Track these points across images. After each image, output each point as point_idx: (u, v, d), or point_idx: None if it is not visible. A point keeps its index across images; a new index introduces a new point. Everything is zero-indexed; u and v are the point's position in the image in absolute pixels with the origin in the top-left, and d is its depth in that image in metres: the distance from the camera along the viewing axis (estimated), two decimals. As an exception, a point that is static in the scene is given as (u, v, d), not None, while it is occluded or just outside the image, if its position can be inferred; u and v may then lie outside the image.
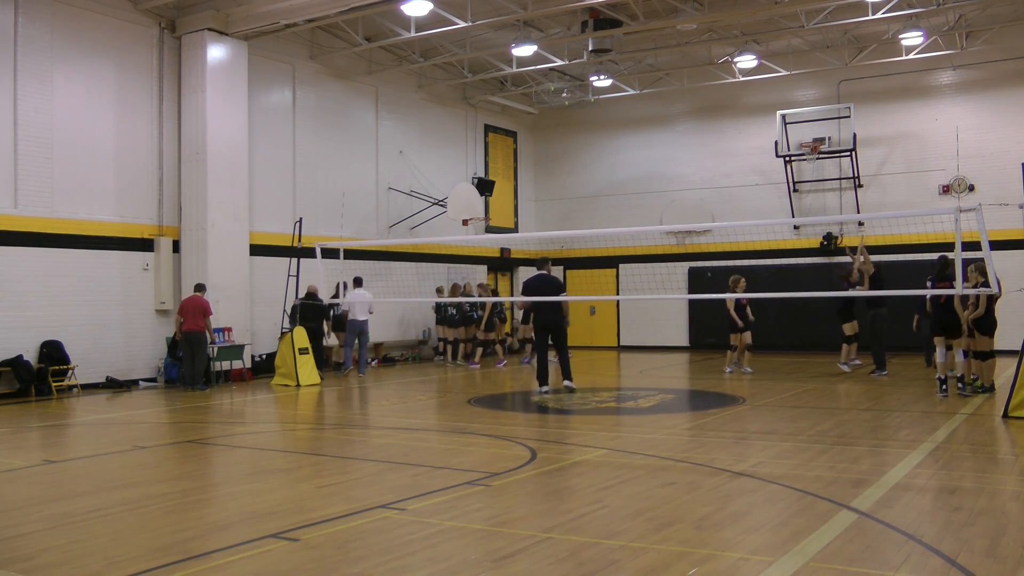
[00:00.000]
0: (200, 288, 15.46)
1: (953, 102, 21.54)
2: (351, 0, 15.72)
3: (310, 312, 17.11)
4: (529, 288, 13.97)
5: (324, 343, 17.75)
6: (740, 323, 16.41)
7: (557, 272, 26.05)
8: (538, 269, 14.31)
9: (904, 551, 5.12)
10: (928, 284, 12.77)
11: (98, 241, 15.52)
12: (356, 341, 17.92)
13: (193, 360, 15.17)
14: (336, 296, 17.42)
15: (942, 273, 12.52)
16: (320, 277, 15.28)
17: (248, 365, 16.99)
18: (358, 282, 17.99)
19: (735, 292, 16.15)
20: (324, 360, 17.93)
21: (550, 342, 13.90)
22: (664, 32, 19.65)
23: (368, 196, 21.07)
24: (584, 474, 7.51)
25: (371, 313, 18.13)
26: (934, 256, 13.47)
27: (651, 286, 22.85)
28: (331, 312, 17.82)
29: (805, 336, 22.44)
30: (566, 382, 13.74)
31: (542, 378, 13.71)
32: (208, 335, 15.30)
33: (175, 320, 15.54)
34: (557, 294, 13.79)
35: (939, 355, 12.51)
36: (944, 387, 12.27)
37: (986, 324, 11.90)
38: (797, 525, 5.69)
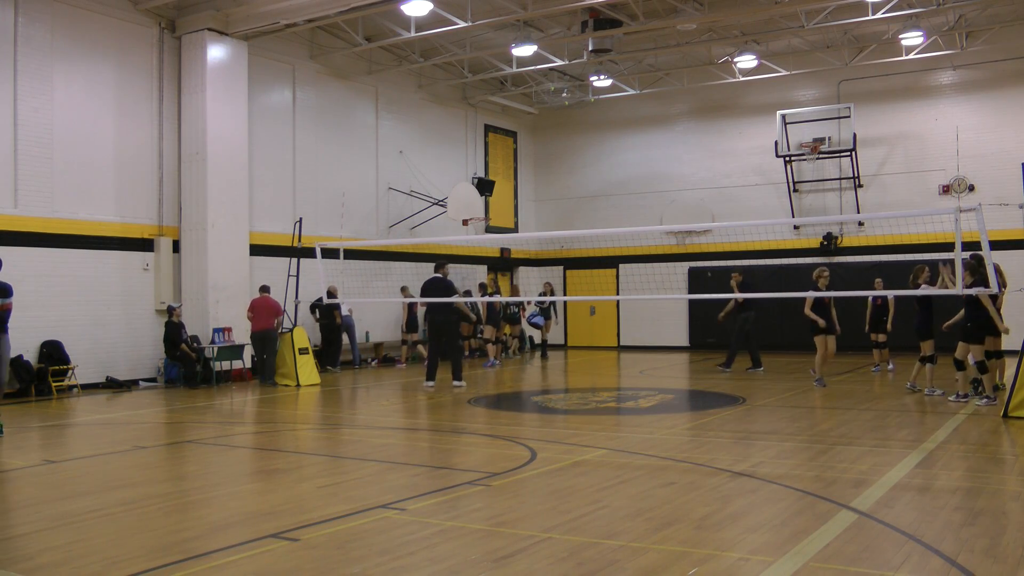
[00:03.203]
0: (265, 289, 16.11)
1: (953, 102, 21.54)
2: (351, 0, 15.73)
3: (326, 310, 18.01)
4: (422, 290, 15.02)
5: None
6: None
7: (562, 276, 26.12)
8: (435, 271, 15.11)
9: (904, 551, 5.12)
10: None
11: (98, 241, 15.52)
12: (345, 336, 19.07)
13: (264, 357, 15.84)
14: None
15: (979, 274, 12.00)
16: (320, 277, 15.34)
17: (248, 365, 16.99)
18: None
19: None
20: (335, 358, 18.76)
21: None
22: (664, 32, 19.65)
23: (368, 196, 21.07)
24: (584, 474, 7.51)
25: (350, 311, 19.27)
26: (934, 256, 13.40)
27: (651, 286, 22.84)
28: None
29: (805, 336, 22.34)
30: (454, 382, 14.59)
31: (429, 373, 14.72)
32: (277, 334, 15.92)
33: (247, 318, 16.04)
34: (448, 295, 14.67)
35: (971, 355, 11.87)
36: (982, 389, 11.74)
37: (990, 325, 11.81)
38: (797, 525, 5.69)
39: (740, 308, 16.88)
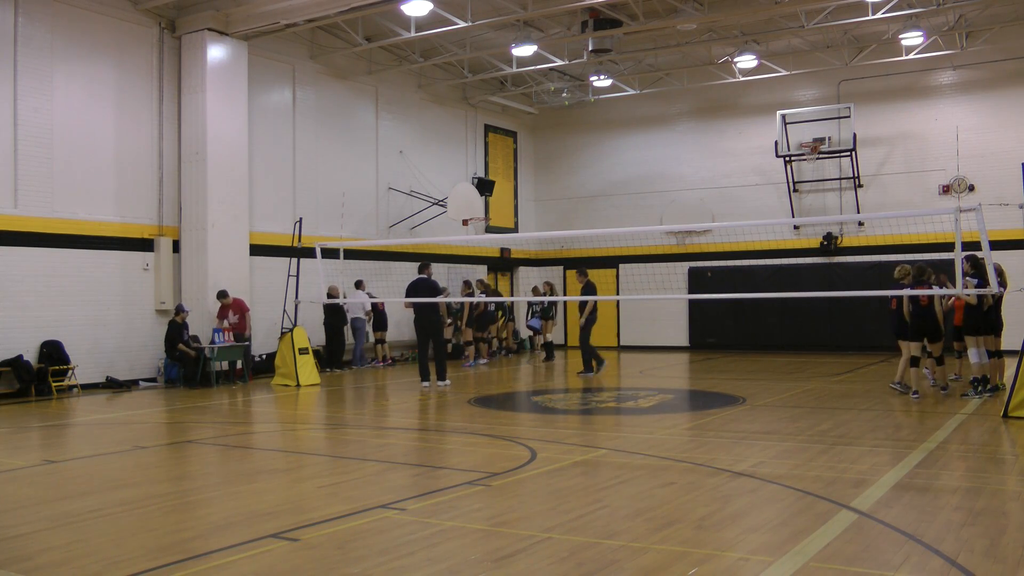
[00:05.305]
0: (224, 294, 16.41)
1: (953, 102, 21.53)
2: (351, 0, 15.73)
3: (331, 310, 18.05)
4: (409, 291, 15.01)
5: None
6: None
7: (562, 276, 26.11)
8: (419, 272, 15.20)
9: (904, 551, 5.12)
10: (974, 284, 11.63)
11: (98, 241, 15.51)
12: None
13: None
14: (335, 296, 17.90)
15: (978, 273, 11.98)
16: (320, 277, 15.36)
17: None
18: (359, 284, 18.93)
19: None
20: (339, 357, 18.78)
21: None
22: (664, 32, 19.65)
23: (368, 196, 21.07)
24: (584, 474, 7.51)
25: (367, 312, 19.13)
26: (934, 256, 13.39)
27: (651, 286, 22.83)
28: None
29: (805, 336, 22.47)
30: (439, 382, 14.69)
31: (423, 374, 14.83)
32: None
33: (244, 324, 16.42)
34: (434, 296, 14.85)
35: (972, 355, 11.93)
36: (979, 388, 11.85)
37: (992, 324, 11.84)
38: (797, 525, 5.69)
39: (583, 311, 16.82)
